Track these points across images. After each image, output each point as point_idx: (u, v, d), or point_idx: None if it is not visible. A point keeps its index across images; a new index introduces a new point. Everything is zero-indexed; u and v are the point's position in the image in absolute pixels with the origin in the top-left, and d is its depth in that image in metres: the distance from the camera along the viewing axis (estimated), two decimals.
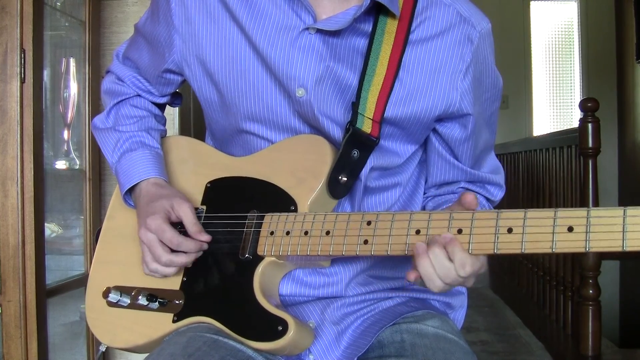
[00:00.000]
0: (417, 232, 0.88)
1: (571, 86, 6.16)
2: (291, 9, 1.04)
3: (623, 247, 0.75)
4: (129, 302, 1.08)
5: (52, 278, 1.89)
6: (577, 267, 3.02)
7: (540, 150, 3.77)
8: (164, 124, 1.26)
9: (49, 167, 1.98)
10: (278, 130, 1.08)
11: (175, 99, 1.29)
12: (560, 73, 6.19)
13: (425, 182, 1.18)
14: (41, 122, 1.78)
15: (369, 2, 1.00)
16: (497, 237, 0.83)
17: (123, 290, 1.09)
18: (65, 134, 2.08)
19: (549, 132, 4.85)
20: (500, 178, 1.18)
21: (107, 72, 1.27)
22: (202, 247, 1.04)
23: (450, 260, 0.85)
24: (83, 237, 2.08)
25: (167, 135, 1.26)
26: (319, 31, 1.02)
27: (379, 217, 0.92)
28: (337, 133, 1.03)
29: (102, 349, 1.15)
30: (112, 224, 1.21)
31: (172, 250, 1.03)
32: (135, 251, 1.14)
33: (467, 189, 1.16)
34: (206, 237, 1.03)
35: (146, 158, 1.13)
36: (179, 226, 1.05)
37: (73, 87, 2.07)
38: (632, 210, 0.75)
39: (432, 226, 0.88)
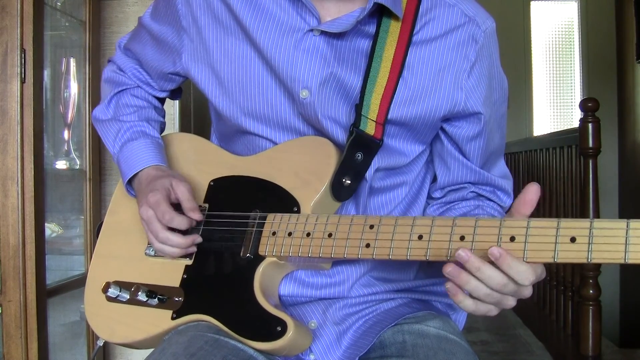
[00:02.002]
0: (420, 237, 0.88)
1: (571, 86, 6.16)
2: (295, 11, 1.04)
3: (625, 260, 0.75)
4: (128, 297, 1.08)
5: (52, 278, 1.89)
6: (577, 267, 3.02)
7: (541, 150, 3.77)
8: (163, 117, 1.27)
9: (49, 167, 1.98)
10: (281, 132, 1.08)
11: (176, 93, 1.29)
12: (560, 73, 6.19)
13: (432, 182, 1.17)
14: (41, 122, 1.78)
15: (372, 4, 0.99)
16: (499, 246, 0.82)
17: (122, 285, 1.09)
18: (66, 134, 2.08)
19: (549, 132, 4.85)
20: (509, 185, 1.17)
21: (109, 61, 1.29)
22: (192, 224, 1.05)
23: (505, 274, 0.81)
24: (83, 237, 2.08)
25: (168, 132, 1.27)
26: (323, 33, 1.02)
27: (382, 221, 0.92)
28: (340, 135, 1.03)
29: (100, 343, 1.15)
30: (114, 218, 1.21)
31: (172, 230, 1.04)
32: (136, 246, 1.14)
33: (479, 195, 1.14)
34: (198, 216, 1.04)
35: (147, 147, 1.14)
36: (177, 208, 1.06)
37: (73, 87, 2.07)
38: (635, 223, 0.75)
39: (435, 232, 0.88)
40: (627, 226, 0.75)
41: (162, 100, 1.29)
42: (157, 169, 1.12)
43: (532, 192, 0.83)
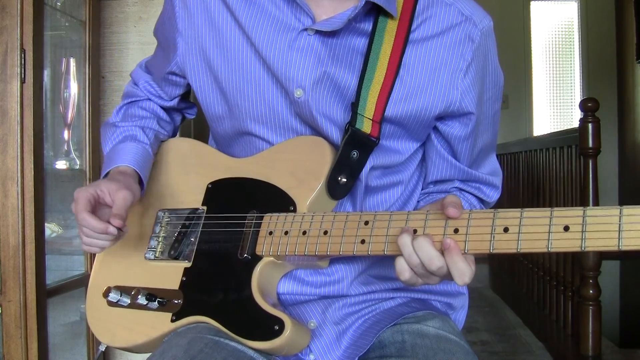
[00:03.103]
0: (415, 231, 0.89)
1: (571, 86, 6.17)
2: (290, 11, 1.04)
3: (619, 246, 0.75)
4: (129, 301, 1.09)
5: (52, 278, 1.89)
6: (577, 267, 3.02)
7: (540, 150, 3.77)
8: (170, 130, 1.29)
9: (49, 167, 1.98)
10: (279, 132, 1.08)
11: (187, 106, 1.31)
12: (560, 73, 6.20)
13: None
14: (41, 122, 1.78)
15: (364, 2, 1.00)
16: (493, 237, 0.83)
17: (123, 289, 1.10)
18: (66, 134, 2.08)
19: (549, 132, 4.85)
20: (498, 180, 1.18)
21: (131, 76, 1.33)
22: (107, 230, 1.00)
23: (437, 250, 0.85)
24: None
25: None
26: (318, 32, 1.02)
27: (377, 217, 0.93)
28: (336, 134, 1.04)
29: (102, 348, 1.15)
30: None
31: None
32: (136, 251, 1.15)
33: (461, 189, 1.16)
34: (117, 223, 1.00)
35: (129, 149, 1.15)
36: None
37: (73, 87, 2.07)
38: (628, 210, 0.75)
39: (429, 225, 0.88)
40: (620, 213, 0.76)
41: (173, 113, 1.30)
42: (119, 172, 1.11)
43: (450, 214, 0.86)
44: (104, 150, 1.20)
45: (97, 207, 1.04)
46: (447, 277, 0.87)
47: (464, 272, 0.84)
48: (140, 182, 1.14)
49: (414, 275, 0.88)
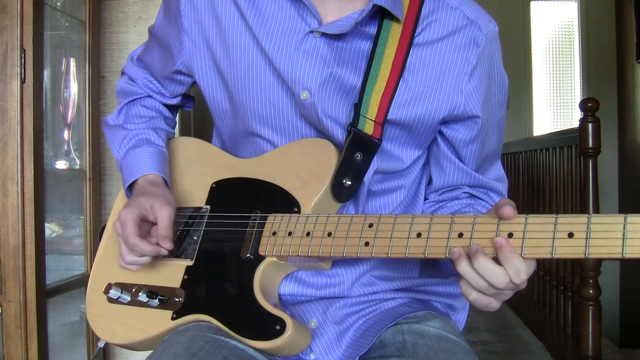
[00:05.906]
0: (418, 235, 0.88)
1: (571, 86, 6.16)
2: (297, 12, 1.05)
3: (622, 254, 0.75)
4: (130, 298, 1.09)
5: (52, 278, 1.89)
6: (577, 267, 3.02)
7: (540, 150, 3.78)
8: (173, 127, 1.28)
9: (49, 167, 1.98)
10: (284, 133, 1.08)
11: (187, 101, 1.30)
12: (560, 73, 6.19)
13: (428, 184, 1.18)
14: (41, 122, 1.78)
15: (371, 6, 1.00)
16: None
17: (124, 286, 1.10)
18: (66, 134, 2.08)
19: (549, 132, 4.85)
20: (504, 188, 1.17)
21: (122, 73, 1.30)
22: (160, 252, 1.04)
23: (500, 265, 0.83)
24: (83, 237, 2.08)
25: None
26: (324, 35, 1.02)
27: (381, 220, 0.92)
28: (342, 135, 1.04)
29: (101, 344, 1.15)
30: None
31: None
32: None
33: (471, 195, 1.15)
34: (168, 245, 1.03)
35: (149, 155, 1.14)
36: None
37: (73, 87, 2.07)
38: (632, 218, 0.75)
39: (433, 229, 0.88)
40: (625, 221, 0.76)
41: (174, 109, 1.29)
42: (150, 183, 1.11)
43: (505, 213, 0.83)
44: (116, 154, 1.19)
45: (141, 225, 1.05)
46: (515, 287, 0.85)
47: (518, 268, 0.82)
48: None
49: (481, 295, 0.87)
